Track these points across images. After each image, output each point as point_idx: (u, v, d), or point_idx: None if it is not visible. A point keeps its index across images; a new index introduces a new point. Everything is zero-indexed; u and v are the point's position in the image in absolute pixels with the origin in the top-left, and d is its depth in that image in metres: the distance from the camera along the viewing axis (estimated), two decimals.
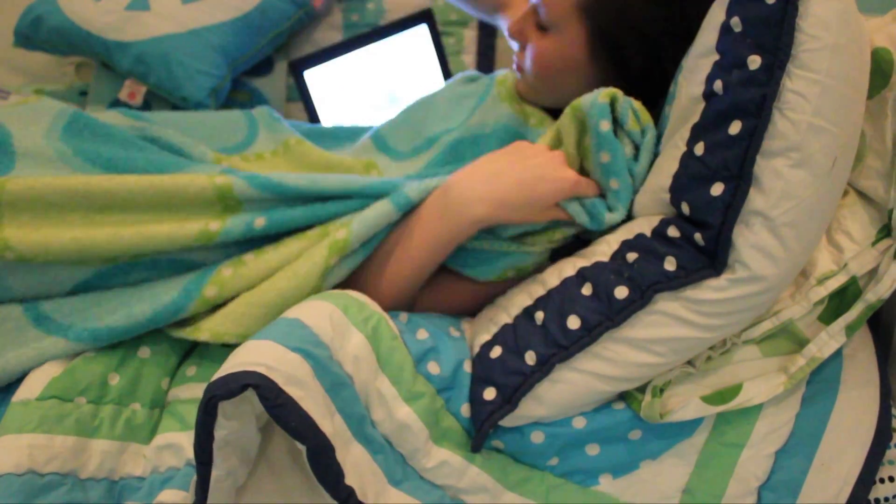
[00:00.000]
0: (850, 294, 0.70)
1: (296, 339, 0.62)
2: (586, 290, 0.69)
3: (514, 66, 0.96)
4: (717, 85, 0.65)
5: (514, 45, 0.94)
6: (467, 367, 0.72)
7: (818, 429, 0.70)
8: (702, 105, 0.67)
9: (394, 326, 0.72)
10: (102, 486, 0.66)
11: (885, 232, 0.70)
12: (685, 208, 0.67)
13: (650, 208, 0.73)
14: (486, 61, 1.39)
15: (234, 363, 0.59)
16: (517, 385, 0.67)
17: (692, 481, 0.70)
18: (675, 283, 0.65)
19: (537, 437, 0.70)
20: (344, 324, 0.67)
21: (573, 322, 0.67)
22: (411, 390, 0.68)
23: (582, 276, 0.71)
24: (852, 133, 0.64)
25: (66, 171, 0.76)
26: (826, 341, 0.69)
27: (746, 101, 0.62)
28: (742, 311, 0.66)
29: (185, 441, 0.68)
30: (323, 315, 0.66)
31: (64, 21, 1.20)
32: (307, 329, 0.64)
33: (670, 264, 0.66)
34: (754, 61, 0.62)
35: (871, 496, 0.69)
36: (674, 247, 0.67)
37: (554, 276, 0.74)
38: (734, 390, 0.69)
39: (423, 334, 0.73)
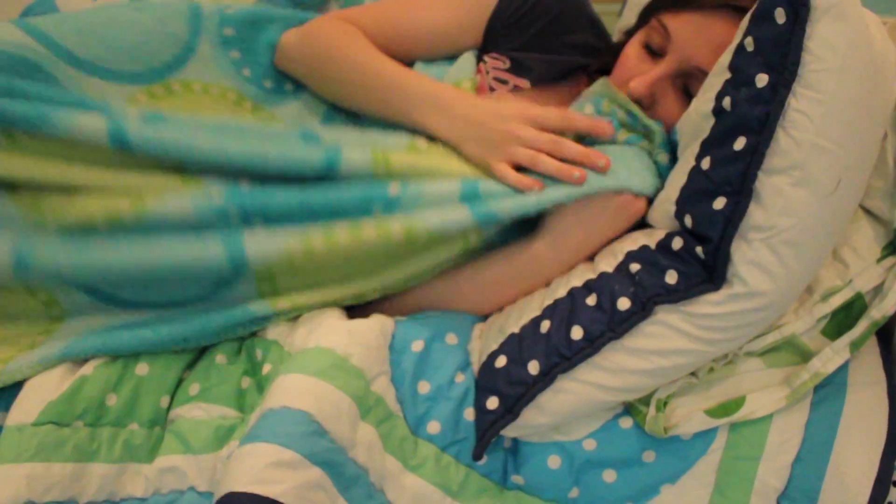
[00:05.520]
0: (856, 308, 0.71)
1: (320, 450, 0.61)
2: (591, 300, 0.69)
3: None
4: (726, 101, 0.66)
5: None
6: (468, 415, 0.71)
7: (829, 433, 0.70)
8: (712, 121, 0.68)
9: (392, 403, 0.70)
10: None
11: (889, 249, 0.72)
12: (688, 221, 0.67)
13: (660, 222, 0.74)
14: None
15: (254, 477, 0.57)
16: (519, 395, 0.68)
17: (714, 500, 0.70)
18: (674, 296, 0.66)
19: (554, 461, 0.70)
20: (355, 415, 0.66)
21: (576, 332, 0.68)
22: (414, 458, 0.68)
23: (588, 287, 0.71)
24: (860, 156, 0.64)
25: None
26: (830, 357, 0.70)
27: (751, 118, 0.63)
28: (741, 327, 0.66)
29: (187, 465, 0.67)
30: (341, 411, 0.65)
31: None
32: (325, 436, 0.62)
33: (671, 277, 0.66)
34: (762, 79, 0.63)
35: (890, 499, 0.69)
36: (676, 259, 0.67)
37: (563, 286, 0.74)
38: (737, 403, 0.70)
39: (424, 387, 0.71)
